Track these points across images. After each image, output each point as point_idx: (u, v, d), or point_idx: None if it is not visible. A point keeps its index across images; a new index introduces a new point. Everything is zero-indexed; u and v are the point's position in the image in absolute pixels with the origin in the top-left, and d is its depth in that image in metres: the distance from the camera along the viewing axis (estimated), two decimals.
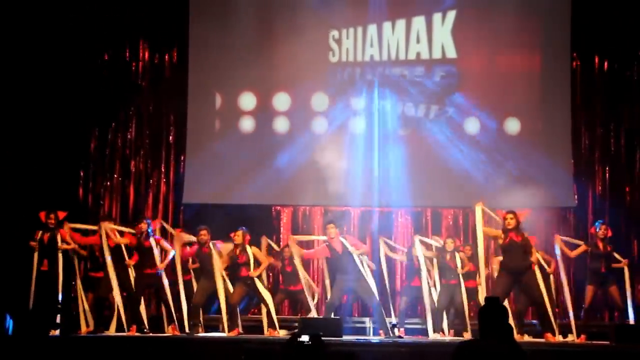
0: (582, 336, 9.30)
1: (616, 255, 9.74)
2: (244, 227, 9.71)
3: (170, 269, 9.86)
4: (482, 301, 9.16)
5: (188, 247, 10.08)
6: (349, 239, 9.88)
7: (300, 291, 10.29)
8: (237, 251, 9.60)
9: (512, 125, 11.96)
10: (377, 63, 12.07)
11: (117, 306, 9.67)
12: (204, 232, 9.77)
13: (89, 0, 12.02)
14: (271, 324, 9.65)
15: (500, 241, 9.03)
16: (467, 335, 9.52)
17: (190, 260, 10.19)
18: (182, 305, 9.72)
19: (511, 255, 8.94)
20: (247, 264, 9.55)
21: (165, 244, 9.79)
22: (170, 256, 9.66)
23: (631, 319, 9.62)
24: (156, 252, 9.59)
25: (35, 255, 9.63)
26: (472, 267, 9.96)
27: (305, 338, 4.21)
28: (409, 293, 10.36)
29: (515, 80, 11.96)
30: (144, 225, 9.67)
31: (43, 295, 9.47)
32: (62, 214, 9.79)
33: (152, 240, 9.59)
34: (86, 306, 9.91)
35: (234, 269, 9.70)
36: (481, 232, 9.24)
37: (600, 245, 9.51)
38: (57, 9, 11.79)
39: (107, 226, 9.73)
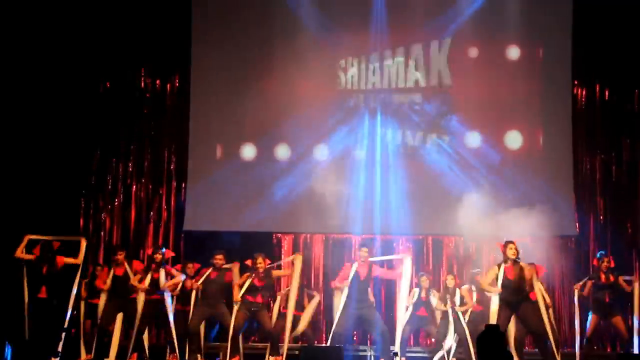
0: None
1: (621, 282, 9.63)
2: (262, 253, 9.61)
3: (181, 302, 9.86)
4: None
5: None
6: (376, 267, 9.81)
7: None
8: (257, 277, 9.46)
9: (512, 153, 11.96)
10: (379, 91, 12.12)
11: (116, 332, 9.65)
12: (220, 256, 9.70)
13: (91, 28, 12.10)
14: (274, 351, 9.49)
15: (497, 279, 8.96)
16: None
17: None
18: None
19: (508, 290, 8.87)
20: (265, 288, 9.46)
21: (175, 272, 9.75)
22: (177, 279, 9.63)
23: (635, 349, 9.53)
24: (163, 281, 9.58)
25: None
26: (476, 307, 9.89)
27: None
28: (413, 322, 10.30)
29: (515, 108, 11.97)
30: (158, 257, 9.69)
31: (42, 323, 9.42)
32: (56, 244, 9.78)
33: (162, 272, 9.57)
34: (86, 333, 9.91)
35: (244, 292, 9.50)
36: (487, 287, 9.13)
37: (603, 277, 9.47)
38: (59, 36, 11.86)
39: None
